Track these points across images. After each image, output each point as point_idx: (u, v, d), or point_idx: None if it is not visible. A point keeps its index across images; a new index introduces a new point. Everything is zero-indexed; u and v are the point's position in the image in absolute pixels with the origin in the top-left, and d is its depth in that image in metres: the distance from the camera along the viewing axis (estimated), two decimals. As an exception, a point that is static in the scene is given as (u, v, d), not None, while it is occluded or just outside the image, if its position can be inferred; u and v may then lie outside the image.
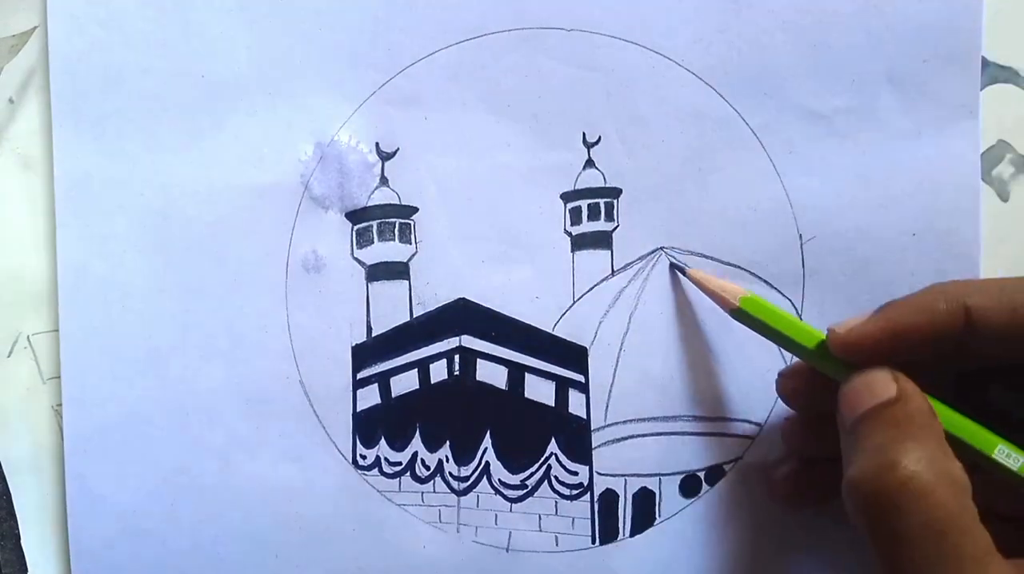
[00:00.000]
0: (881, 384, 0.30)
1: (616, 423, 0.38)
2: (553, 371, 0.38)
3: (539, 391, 0.38)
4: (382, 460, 0.38)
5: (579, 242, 0.38)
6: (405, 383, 0.38)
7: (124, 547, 0.38)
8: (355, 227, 0.38)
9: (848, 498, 0.28)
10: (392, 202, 0.38)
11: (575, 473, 0.38)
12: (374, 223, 0.38)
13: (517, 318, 0.38)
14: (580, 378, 0.38)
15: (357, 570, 0.38)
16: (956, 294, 0.30)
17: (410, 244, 0.38)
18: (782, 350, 0.37)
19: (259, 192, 0.38)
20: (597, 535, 0.38)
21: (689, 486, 0.38)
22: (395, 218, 0.38)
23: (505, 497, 0.38)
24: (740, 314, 0.34)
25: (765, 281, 0.37)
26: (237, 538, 0.38)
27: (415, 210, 0.38)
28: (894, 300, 0.31)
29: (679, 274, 0.37)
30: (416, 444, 0.38)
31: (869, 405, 0.29)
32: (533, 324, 0.38)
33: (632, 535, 0.38)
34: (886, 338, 0.30)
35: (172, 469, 0.38)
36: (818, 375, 0.33)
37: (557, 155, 0.38)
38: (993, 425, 0.30)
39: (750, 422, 0.38)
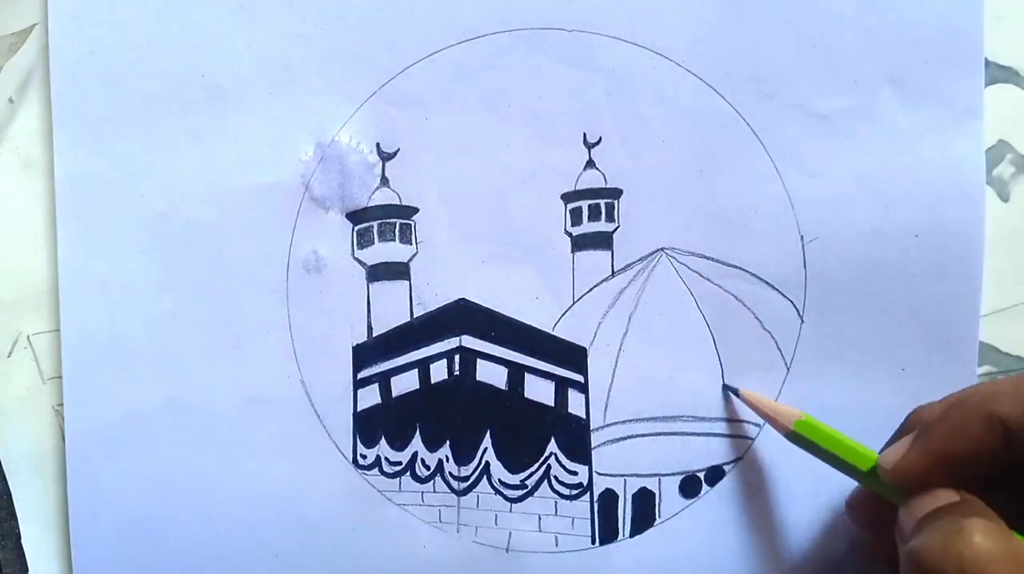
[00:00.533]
0: (943, 495, 0.30)
1: (616, 423, 0.38)
2: (553, 371, 0.38)
3: (539, 391, 0.38)
4: (382, 460, 0.38)
5: (579, 242, 0.38)
6: (405, 383, 0.38)
7: (125, 547, 0.38)
8: (356, 227, 0.38)
9: (909, 567, 0.28)
10: (393, 202, 0.38)
11: (575, 473, 0.38)
12: (375, 223, 0.38)
13: (517, 318, 0.38)
14: (580, 378, 0.38)
15: (357, 570, 0.38)
16: (988, 408, 0.29)
17: (411, 244, 0.38)
18: (784, 356, 0.37)
19: (260, 192, 0.38)
20: (597, 535, 0.38)
21: (689, 486, 0.38)
22: (396, 218, 0.38)
23: (505, 497, 0.38)
24: (795, 437, 0.34)
25: (766, 282, 0.37)
26: (237, 538, 0.38)
27: (416, 210, 0.38)
28: (926, 412, 0.32)
29: (732, 394, 0.37)
30: (416, 444, 0.38)
31: (932, 507, 0.30)
32: (533, 324, 0.38)
33: (632, 535, 0.38)
34: (932, 466, 0.30)
35: (173, 469, 0.38)
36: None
37: (558, 155, 0.38)
38: None
39: (750, 422, 0.38)
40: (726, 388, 0.38)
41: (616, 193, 0.38)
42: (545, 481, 0.38)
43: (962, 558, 0.27)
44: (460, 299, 0.38)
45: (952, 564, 0.27)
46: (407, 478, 0.38)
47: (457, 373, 0.38)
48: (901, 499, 0.31)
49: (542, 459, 0.38)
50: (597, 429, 0.38)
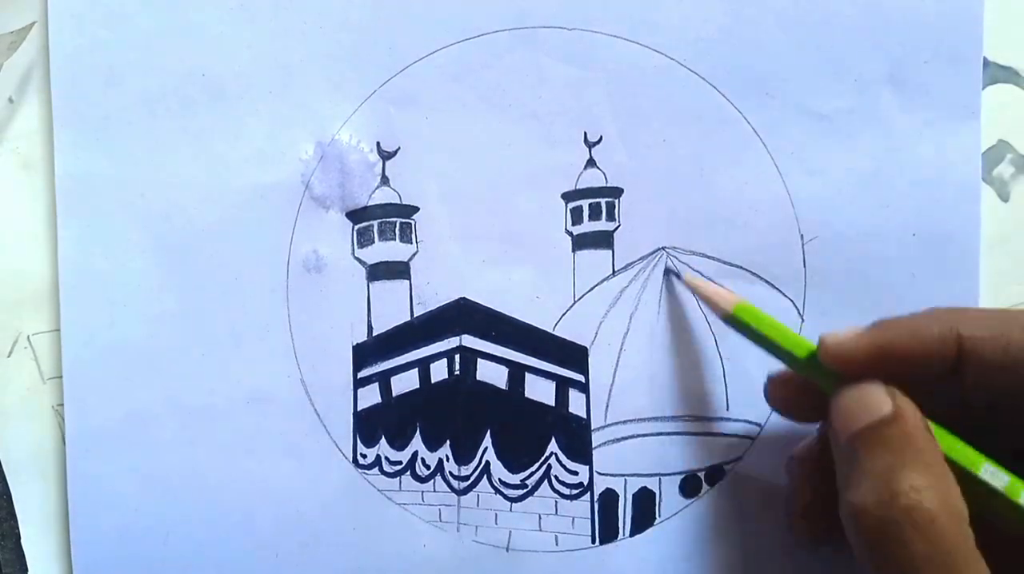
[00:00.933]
0: (875, 400, 0.29)
1: (616, 423, 0.38)
2: (553, 371, 0.38)
3: (539, 391, 0.38)
4: (382, 459, 0.38)
5: (580, 242, 0.38)
6: (405, 382, 0.38)
7: (125, 547, 0.38)
8: (356, 227, 0.38)
9: (849, 524, 0.28)
10: (393, 201, 0.38)
11: (575, 473, 0.38)
12: (375, 223, 0.38)
13: (517, 318, 0.38)
14: (580, 378, 0.38)
15: (357, 569, 0.38)
16: (951, 322, 0.29)
17: (411, 244, 0.38)
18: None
19: (260, 192, 0.38)
20: (597, 535, 0.38)
21: (689, 486, 0.38)
22: (396, 218, 0.38)
23: (505, 497, 0.38)
24: (733, 321, 0.34)
25: (766, 281, 0.37)
26: (237, 537, 0.38)
27: (416, 210, 0.38)
28: (891, 318, 0.31)
29: (674, 279, 0.37)
30: (416, 443, 0.38)
31: (864, 422, 0.29)
32: (533, 324, 0.38)
33: (632, 535, 0.38)
34: (876, 356, 0.30)
35: (173, 468, 0.38)
36: (809, 385, 0.32)
37: (558, 155, 0.38)
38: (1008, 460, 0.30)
39: (750, 422, 0.38)
40: (668, 272, 0.37)
41: (617, 192, 0.38)
42: (545, 481, 0.38)
43: (902, 526, 0.26)
44: (460, 298, 0.38)
45: (892, 530, 0.27)
46: (407, 477, 0.38)
47: (457, 373, 0.38)
48: (833, 388, 0.31)
49: (542, 459, 0.38)
50: (598, 429, 0.38)
